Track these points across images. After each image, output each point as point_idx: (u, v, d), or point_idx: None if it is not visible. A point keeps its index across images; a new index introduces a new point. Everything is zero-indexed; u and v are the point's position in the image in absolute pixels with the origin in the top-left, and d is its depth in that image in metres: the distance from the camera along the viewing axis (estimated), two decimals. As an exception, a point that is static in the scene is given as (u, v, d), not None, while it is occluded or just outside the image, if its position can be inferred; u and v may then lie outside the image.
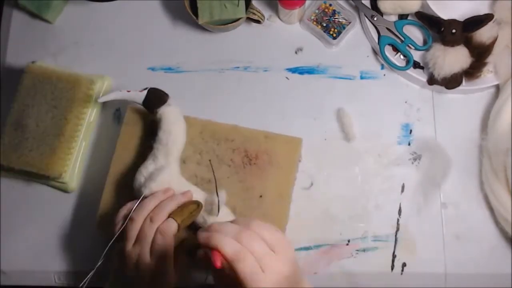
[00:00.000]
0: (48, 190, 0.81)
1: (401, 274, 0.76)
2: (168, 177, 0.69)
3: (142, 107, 0.75)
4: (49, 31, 0.87)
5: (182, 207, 0.67)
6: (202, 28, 0.84)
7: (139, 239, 0.64)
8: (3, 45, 0.87)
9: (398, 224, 0.78)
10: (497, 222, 0.77)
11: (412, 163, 0.80)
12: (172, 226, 0.64)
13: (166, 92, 0.75)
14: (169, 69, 0.85)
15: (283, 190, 0.73)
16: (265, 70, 0.84)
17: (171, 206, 0.67)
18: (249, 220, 0.57)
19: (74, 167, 0.79)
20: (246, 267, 0.53)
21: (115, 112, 0.84)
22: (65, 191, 0.80)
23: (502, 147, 0.75)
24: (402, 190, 0.79)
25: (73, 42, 0.87)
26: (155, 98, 0.73)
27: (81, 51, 0.86)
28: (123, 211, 0.68)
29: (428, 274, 0.76)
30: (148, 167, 0.70)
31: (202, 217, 0.69)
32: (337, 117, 0.81)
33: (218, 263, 0.53)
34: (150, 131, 0.74)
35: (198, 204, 0.68)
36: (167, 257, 0.64)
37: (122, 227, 0.66)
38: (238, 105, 0.83)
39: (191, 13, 0.80)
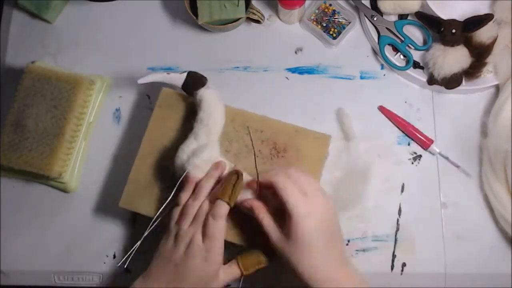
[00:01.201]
0: (48, 190, 0.81)
1: (401, 274, 0.76)
2: (211, 154, 0.70)
3: (173, 90, 0.76)
4: (49, 31, 0.87)
5: (224, 184, 0.68)
6: (202, 28, 0.84)
7: (195, 220, 0.66)
8: (3, 45, 0.87)
9: (398, 224, 0.78)
10: (497, 222, 0.77)
11: (412, 163, 0.80)
12: (223, 208, 0.65)
13: (205, 76, 0.74)
14: (169, 69, 0.85)
15: None
16: (265, 70, 0.84)
17: (211, 183, 0.69)
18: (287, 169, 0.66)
19: (74, 167, 0.79)
20: (289, 191, 0.63)
21: (115, 112, 0.84)
22: (65, 191, 0.80)
23: (502, 147, 0.75)
24: (402, 190, 0.79)
25: (73, 42, 0.87)
26: (194, 81, 0.73)
27: (81, 51, 0.86)
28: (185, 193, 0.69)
29: (428, 274, 0.76)
30: (190, 145, 0.71)
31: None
32: (337, 117, 0.81)
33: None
34: (189, 113, 0.75)
35: (238, 174, 0.68)
36: (218, 240, 0.65)
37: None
38: (238, 105, 0.82)
39: (191, 13, 0.80)
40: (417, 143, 0.80)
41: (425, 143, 0.79)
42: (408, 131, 0.80)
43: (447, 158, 0.79)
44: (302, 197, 0.63)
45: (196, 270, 0.65)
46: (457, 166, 0.78)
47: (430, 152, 0.79)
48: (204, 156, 0.70)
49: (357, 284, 0.64)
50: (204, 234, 0.65)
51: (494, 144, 0.76)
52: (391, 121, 0.81)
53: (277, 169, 0.67)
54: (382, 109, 0.81)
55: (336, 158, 0.80)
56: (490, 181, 0.76)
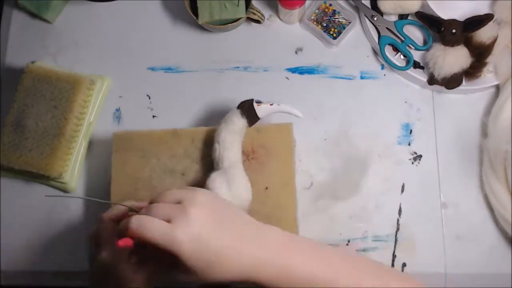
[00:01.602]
0: (48, 190, 0.81)
1: (401, 274, 0.76)
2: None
3: (124, 131, 0.76)
4: (49, 31, 0.87)
5: None
6: (202, 28, 0.84)
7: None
8: (3, 45, 0.87)
9: (398, 224, 0.78)
10: (497, 222, 0.77)
11: (412, 163, 0.80)
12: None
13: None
14: (169, 69, 0.85)
15: (286, 177, 0.73)
16: (265, 70, 0.84)
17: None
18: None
19: (74, 167, 0.79)
20: (151, 230, 0.50)
21: (115, 112, 0.83)
22: (65, 191, 0.80)
23: (502, 148, 0.75)
24: (402, 190, 0.79)
25: (73, 42, 0.87)
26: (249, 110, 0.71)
27: (81, 51, 0.86)
28: None
29: (428, 274, 0.76)
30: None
31: None
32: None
33: (121, 242, 0.51)
34: (147, 148, 0.74)
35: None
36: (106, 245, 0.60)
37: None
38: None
39: (191, 13, 0.80)
40: None
41: None
42: None
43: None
44: (175, 213, 0.52)
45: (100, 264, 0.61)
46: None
47: None
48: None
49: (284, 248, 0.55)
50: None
51: (494, 144, 0.76)
52: None
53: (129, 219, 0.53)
54: None
55: (336, 158, 0.80)
56: (490, 181, 0.76)
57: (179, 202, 0.53)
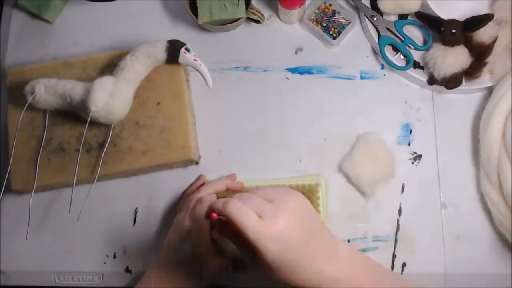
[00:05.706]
0: (48, 191, 0.81)
1: (401, 274, 0.76)
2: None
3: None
4: (49, 31, 0.87)
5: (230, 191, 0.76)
6: (202, 28, 0.84)
7: (184, 207, 0.74)
8: (3, 45, 0.87)
9: (398, 224, 0.78)
10: (494, 224, 0.77)
11: (412, 163, 0.80)
12: (211, 197, 0.72)
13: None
14: (169, 69, 0.85)
15: (176, 90, 0.77)
16: (265, 70, 0.84)
17: (219, 185, 0.75)
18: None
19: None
20: (246, 220, 0.52)
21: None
22: None
23: (494, 155, 0.75)
24: (402, 190, 0.79)
25: (73, 42, 0.87)
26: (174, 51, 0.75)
27: (81, 51, 0.86)
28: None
29: (428, 274, 0.76)
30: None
31: None
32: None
33: (214, 215, 0.53)
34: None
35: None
36: (201, 224, 0.69)
37: None
38: (238, 105, 0.83)
39: (191, 13, 0.80)
40: None
41: None
42: None
43: None
44: (267, 211, 0.53)
45: (186, 230, 0.70)
46: None
47: None
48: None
49: (361, 272, 0.57)
50: (190, 217, 0.71)
51: (486, 151, 0.76)
52: None
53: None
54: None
55: (336, 158, 0.80)
56: (485, 186, 0.76)
57: (271, 200, 0.55)
